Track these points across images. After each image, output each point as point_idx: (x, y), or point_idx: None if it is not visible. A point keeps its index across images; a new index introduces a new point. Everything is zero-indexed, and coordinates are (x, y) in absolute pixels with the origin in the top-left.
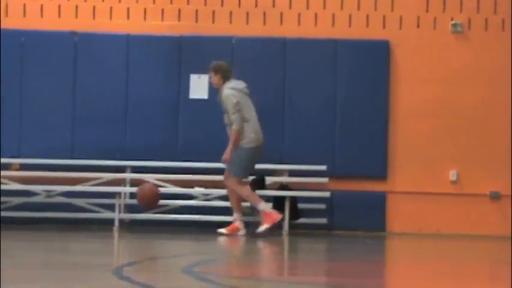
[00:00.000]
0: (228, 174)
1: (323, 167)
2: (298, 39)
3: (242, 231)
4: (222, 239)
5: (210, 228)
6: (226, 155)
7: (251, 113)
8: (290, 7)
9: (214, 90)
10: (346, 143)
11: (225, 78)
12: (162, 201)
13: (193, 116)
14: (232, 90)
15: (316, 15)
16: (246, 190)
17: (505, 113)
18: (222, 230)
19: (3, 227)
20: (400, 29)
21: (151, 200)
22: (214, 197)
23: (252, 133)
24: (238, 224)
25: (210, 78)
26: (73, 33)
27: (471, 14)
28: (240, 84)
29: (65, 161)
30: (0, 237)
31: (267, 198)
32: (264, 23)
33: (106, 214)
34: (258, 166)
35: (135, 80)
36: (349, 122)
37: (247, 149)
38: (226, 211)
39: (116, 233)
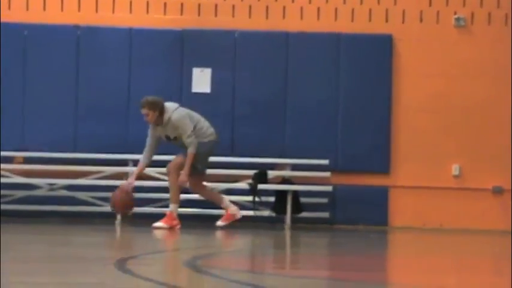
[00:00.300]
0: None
1: (325, 161)
2: (300, 33)
3: (239, 215)
4: (223, 232)
5: (211, 222)
6: (184, 177)
7: (197, 116)
8: (293, 1)
9: (217, 84)
10: (348, 137)
11: (161, 111)
12: (164, 195)
13: (196, 110)
14: (178, 112)
15: (318, 9)
16: (208, 191)
17: (508, 107)
18: (220, 223)
19: (5, 220)
20: (403, 23)
21: (121, 206)
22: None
23: (207, 129)
24: (230, 210)
25: (146, 116)
26: (76, 27)
27: (474, 8)
28: (173, 104)
29: (67, 155)
30: (1, 230)
31: (269, 192)
32: (267, 16)
33: (108, 208)
34: (260, 160)
35: (138, 74)
36: (352, 116)
37: (207, 143)
38: None
39: (118, 227)
